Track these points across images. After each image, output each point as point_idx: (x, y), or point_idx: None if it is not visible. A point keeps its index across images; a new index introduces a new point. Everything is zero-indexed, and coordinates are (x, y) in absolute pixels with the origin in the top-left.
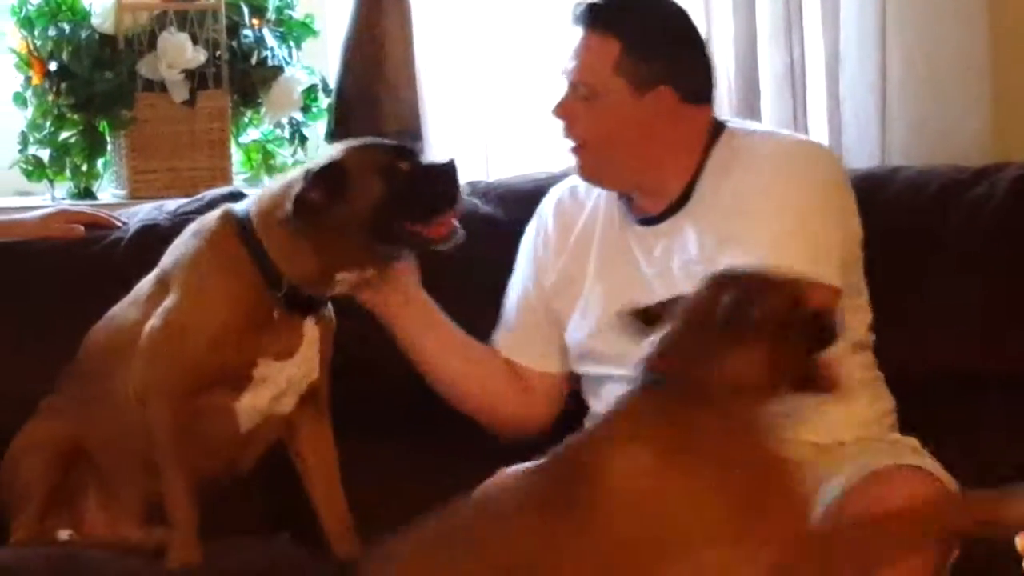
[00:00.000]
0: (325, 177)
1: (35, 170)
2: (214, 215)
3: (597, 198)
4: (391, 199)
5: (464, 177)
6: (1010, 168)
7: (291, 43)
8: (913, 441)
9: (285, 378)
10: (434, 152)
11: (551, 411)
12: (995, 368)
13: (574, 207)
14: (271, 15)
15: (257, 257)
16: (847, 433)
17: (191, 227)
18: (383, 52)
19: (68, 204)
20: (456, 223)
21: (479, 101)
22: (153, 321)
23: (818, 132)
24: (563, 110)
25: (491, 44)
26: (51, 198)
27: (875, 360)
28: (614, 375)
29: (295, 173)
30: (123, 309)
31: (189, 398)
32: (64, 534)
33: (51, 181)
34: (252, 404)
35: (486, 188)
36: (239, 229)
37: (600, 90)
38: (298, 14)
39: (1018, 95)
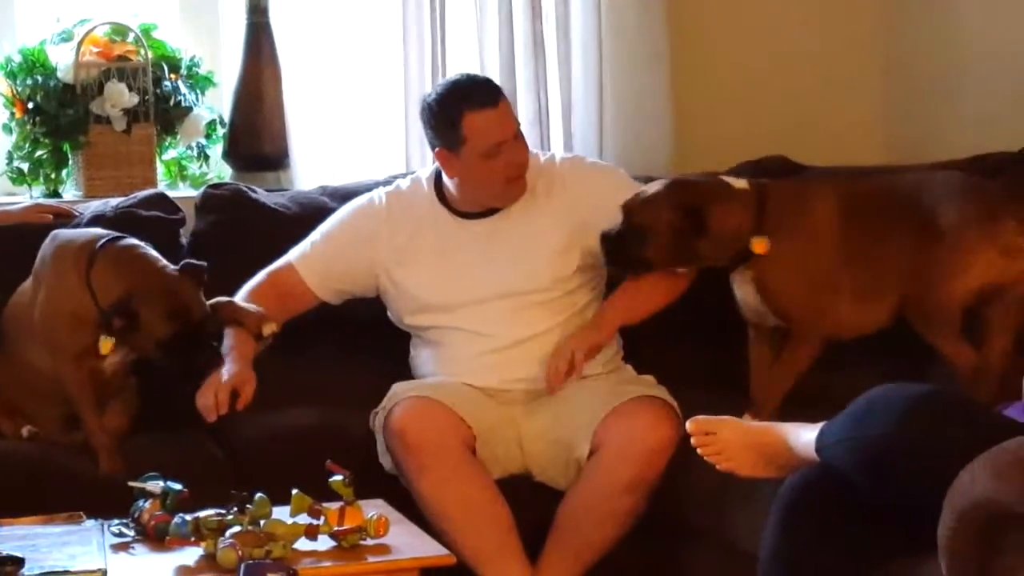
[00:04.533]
0: (124, 313)
1: (18, 178)
2: (81, 238)
3: (421, 200)
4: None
5: (320, 181)
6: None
7: (197, 90)
8: (651, 378)
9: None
10: (298, 163)
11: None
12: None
13: (407, 202)
14: (184, 71)
15: (89, 285)
16: (598, 367)
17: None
18: (261, 96)
19: (42, 200)
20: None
21: (329, 130)
22: (35, 312)
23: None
24: (526, 156)
25: (338, 89)
26: (30, 197)
27: None
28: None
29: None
30: (22, 290)
31: (79, 359)
32: (26, 430)
33: (30, 185)
34: (110, 360)
35: (334, 190)
36: (89, 259)
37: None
38: (203, 70)
39: (692, 125)
